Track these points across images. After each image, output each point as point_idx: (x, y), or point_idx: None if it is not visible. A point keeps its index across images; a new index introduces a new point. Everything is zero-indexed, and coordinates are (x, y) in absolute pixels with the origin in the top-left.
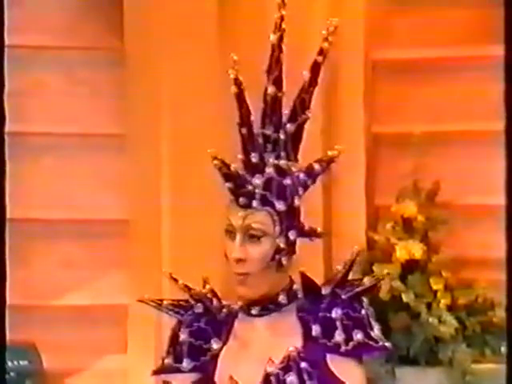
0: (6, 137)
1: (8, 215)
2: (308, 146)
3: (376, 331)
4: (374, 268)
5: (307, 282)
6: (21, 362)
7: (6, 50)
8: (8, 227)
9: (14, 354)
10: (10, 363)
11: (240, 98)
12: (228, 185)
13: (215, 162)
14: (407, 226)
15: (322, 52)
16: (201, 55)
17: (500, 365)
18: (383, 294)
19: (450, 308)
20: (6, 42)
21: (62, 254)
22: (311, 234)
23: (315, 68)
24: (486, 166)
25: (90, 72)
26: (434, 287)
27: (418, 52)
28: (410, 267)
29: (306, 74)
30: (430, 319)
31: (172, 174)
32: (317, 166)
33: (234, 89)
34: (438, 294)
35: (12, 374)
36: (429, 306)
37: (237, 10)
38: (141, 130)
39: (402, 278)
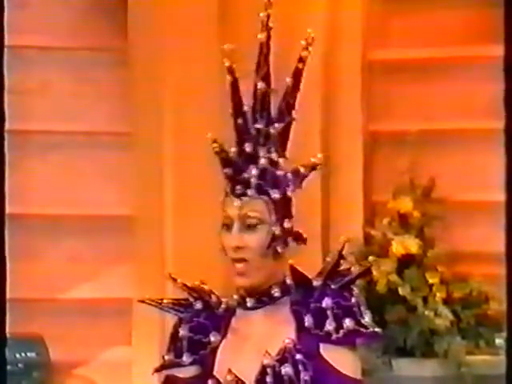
0: (6, 135)
1: (15, 211)
2: (307, 144)
3: (367, 318)
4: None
5: (297, 274)
6: (28, 354)
7: (9, 50)
8: (15, 223)
9: (22, 347)
10: (17, 355)
11: (234, 86)
12: (226, 171)
13: (214, 145)
14: (403, 222)
15: (301, 60)
16: (203, 55)
17: (494, 356)
18: (380, 287)
19: (446, 301)
20: (13, 42)
21: (68, 249)
22: (297, 237)
23: (297, 74)
24: (480, 163)
25: (94, 72)
26: (430, 281)
27: (414, 52)
28: (406, 262)
29: (289, 80)
30: (426, 312)
31: (175, 170)
32: (302, 170)
33: (228, 78)
34: (434, 288)
35: (20, 365)
36: (425, 299)
37: (238, 11)
38: (144, 129)
39: (399, 272)
